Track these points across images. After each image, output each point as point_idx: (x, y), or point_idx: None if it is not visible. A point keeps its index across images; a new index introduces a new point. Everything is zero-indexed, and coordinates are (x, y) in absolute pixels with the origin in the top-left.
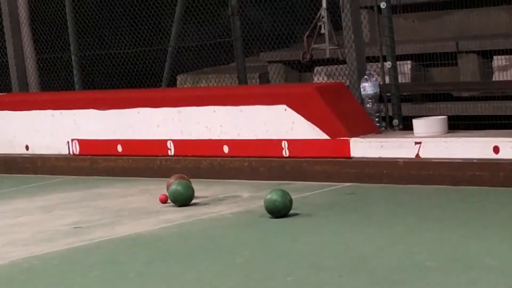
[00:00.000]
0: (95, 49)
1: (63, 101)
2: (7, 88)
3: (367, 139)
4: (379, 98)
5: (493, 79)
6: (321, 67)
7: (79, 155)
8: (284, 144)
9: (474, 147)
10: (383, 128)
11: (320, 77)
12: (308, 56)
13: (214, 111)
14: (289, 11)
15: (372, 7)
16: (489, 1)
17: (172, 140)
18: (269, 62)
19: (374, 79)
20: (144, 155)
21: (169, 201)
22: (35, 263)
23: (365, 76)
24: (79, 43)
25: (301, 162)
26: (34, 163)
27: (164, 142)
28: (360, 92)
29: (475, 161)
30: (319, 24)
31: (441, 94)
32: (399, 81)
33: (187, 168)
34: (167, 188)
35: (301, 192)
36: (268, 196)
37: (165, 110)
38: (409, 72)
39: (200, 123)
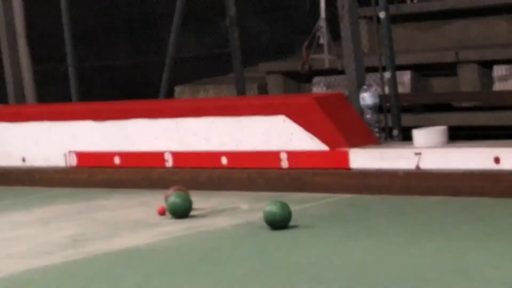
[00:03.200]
0: (92, 61)
1: (60, 113)
2: (4, 100)
3: (366, 150)
4: (379, 108)
5: (494, 89)
6: (320, 77)
7: (76, 167)
8: (283, 155)
9: (474, 157)
10: (382, 139)
11: (319, 87)
12: (307, 66)
13: (213, 122)
14: (287, 22)
15: (371, 17)
16: (489, 10)
17: (170, 151)
18: (268, 72)
19: (374, 89)
20: (142, 167)
21: (167, 213)
22: (33, 276)
23: (365, 87)
24: (76, 54)
25: (300, 173)
26: (31, 175)
27: (162, 153)
28: (360, 102)
29: (475, 171)
30: (318, 34)
31: (441, 104)
32: (399, 91)
33: (185, 179)
34: (165, 200)
35: (300, 203)
36: (267, 208)
37: (163, 122)
38: (409, 82)
39: (198, 134)
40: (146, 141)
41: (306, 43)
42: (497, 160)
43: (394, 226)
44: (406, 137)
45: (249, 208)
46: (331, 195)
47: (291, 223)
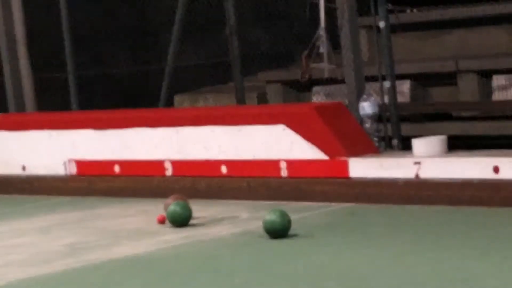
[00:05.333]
0: (92, 69)
1: (60, 121)
2: (4, 108)
3: (366, 159)
4: (378, 118)
5: (493, 98)
6: (320, 86)
7: (76, 175)
8: (283, 164)
9: (474, 167)
10: (382, 148)
11: (318, 96)
12: (306, 75)
13: (212, 131)
14: (287, 31)
15: (371, 27)
16: (489, 20)
17: (170, 160)
18: (268, 81)
19: (373, 98)
20: (141, 175)
21: (167, 221)
22: (32, 284)
23: (364, 96)
24: (76, 62)
25: (300, 182)
26: (30, 183)
27: (161, 162)
28: (359, 112)
29: (475, 181)
30: (317, 43)
31: (441, 114)
32: (398, 100)
33: (185, 188)
34: (165, 209)
35: (300, 212)
36: (267, 217)
37: (163, 130)
38: (408, 91)
39: (198, 143)
40: (146, 150)
41: (305, 53)
42: (496, 169)
43: (393, 235)
44: (405, 146)
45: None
46: (331, 204)
47: (291, 232)
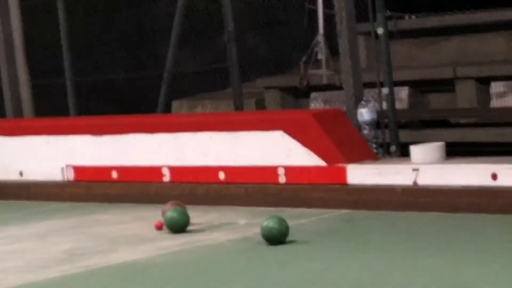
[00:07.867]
0: (90, 75)
1: (57, 127)
2: (1, 114)
3: (364, 166)
4: (376, 124)
5: (491, 105)
6: (318, 93)
7: (73, 181)
8: (281, 171)
9: (472, 174)
10: (380, 155)
11: (317, 103)
12: (305, 82)
13: (210, 137)
14: (286, 37)
15: (369, 33)
16: (487, 27)
17: (167, 166)
18: (266, 88)
19: (371, 105)
20: (139, 181)
21: (164, 228)
22: None
23: (362, 102)
24: (74, 68)
25: (298, 189)
26: (28, 189)
27: (159, 168)
28: (357, 118)
29: (473, 188)
30: (316, 50)
31: (439, 120)
32: (396, 107)
33: (183, 194)
34: (163, 215)
35: (297, 219)
36: (265, 223)
37: (161, 136)
38: (407, 98)
39: (196, 149)
40: (143, 156)
41: (304, 59)
42: (494, 176)
43: (391, 242)
44: (403, 153)
45: (246, 223)
46: (329, 210)
47: (288, 238)
